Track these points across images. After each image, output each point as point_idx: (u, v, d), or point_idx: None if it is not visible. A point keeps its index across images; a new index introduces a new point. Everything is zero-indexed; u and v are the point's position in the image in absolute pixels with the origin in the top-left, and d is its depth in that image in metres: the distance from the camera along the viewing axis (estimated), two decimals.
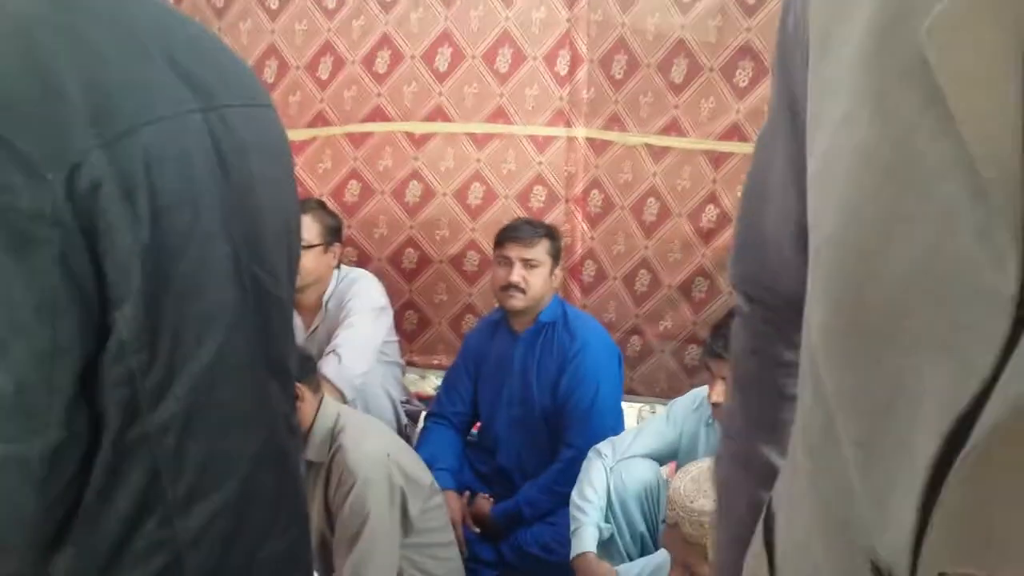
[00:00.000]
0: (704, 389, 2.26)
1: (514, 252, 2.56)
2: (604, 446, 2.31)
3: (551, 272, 2.60)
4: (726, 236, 2.78)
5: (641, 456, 2.28)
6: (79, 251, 0.70)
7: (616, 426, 2.61)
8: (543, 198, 3.00)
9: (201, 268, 0.82)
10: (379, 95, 2.94)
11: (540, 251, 2.57)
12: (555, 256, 2.62)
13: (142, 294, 0.74)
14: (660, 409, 3.21)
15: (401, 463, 2.06)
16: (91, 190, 0.70)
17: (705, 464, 1.82)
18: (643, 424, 2.46)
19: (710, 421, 2.21)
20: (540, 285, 2.56)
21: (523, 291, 2.54)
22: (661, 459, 2.34)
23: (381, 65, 2.90)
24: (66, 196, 0.68)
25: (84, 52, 0.74)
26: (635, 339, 3.03)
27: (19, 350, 0.68)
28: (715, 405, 2.07)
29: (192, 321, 0.81)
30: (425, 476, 2.18)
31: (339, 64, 2.92)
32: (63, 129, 0.70)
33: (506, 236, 2.60)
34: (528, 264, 2.55)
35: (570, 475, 2.38)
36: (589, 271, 3.04)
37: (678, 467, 2.32)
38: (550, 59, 2.87)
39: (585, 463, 2.30)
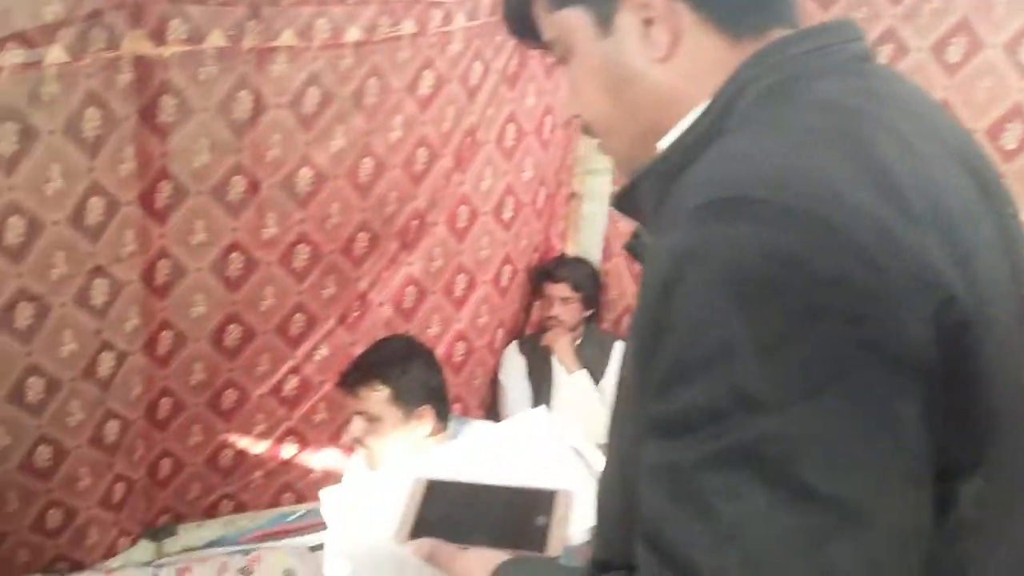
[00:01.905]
0: None
1: None
2: None
3: None
4: None
5: None
6: (938, 407, 0.57)
7: None
8: None
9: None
10: None
11: None
12: None
13: (995, 463, 0.61)
14: None
15: None
16: (958, 330, 0.57)
17: None
18: None
19: None
20: None
21: None
22: None
23: None
24: (936, 338, 0.56)
25: (912, 156, 0.62)
26: None
27: (881, 525, 0.54)
28: None
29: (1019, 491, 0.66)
30: None
31: None
32: (924, 255, 0.57)
33: None
34: None
35: None
36: None
37: None
38: None
39: None
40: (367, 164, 2.29)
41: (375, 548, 1.01)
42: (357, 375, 1.76)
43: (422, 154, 2.39)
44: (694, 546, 0.54)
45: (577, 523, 0.99)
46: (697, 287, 0.56)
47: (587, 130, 0.81)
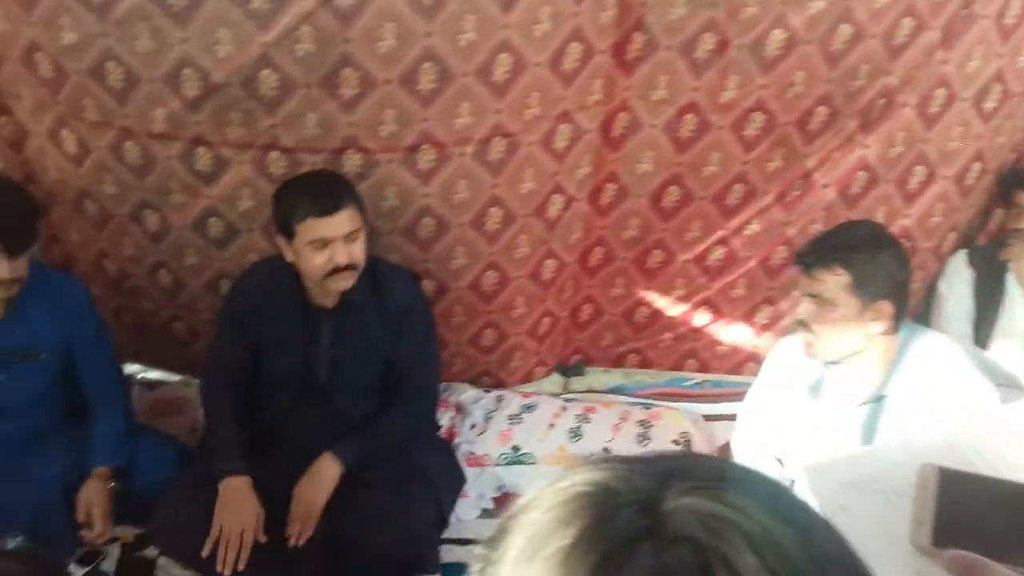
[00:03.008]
0: None
1: None
2: None
3: None
4: None
5: None
6: None
7: None
8: None
9: None
10: None
11: None
12: None
13: None
14: None
15: None
16: None
17: None
18: None
19: None
20: None
21: None
22: None
23: None
24: None
25: None
26: None
27: None
28: None
29: None
30: None
31: None
32: None
33: None
34: None
35: None
36: None
37: None
38: None
39: None
40: (844, 31, 2.08)
41: (886, 537, 0.86)
42: (818, 255, 1.65)
43: (906, 24, 2.12)
44: None
45: None
46: None
47: None
